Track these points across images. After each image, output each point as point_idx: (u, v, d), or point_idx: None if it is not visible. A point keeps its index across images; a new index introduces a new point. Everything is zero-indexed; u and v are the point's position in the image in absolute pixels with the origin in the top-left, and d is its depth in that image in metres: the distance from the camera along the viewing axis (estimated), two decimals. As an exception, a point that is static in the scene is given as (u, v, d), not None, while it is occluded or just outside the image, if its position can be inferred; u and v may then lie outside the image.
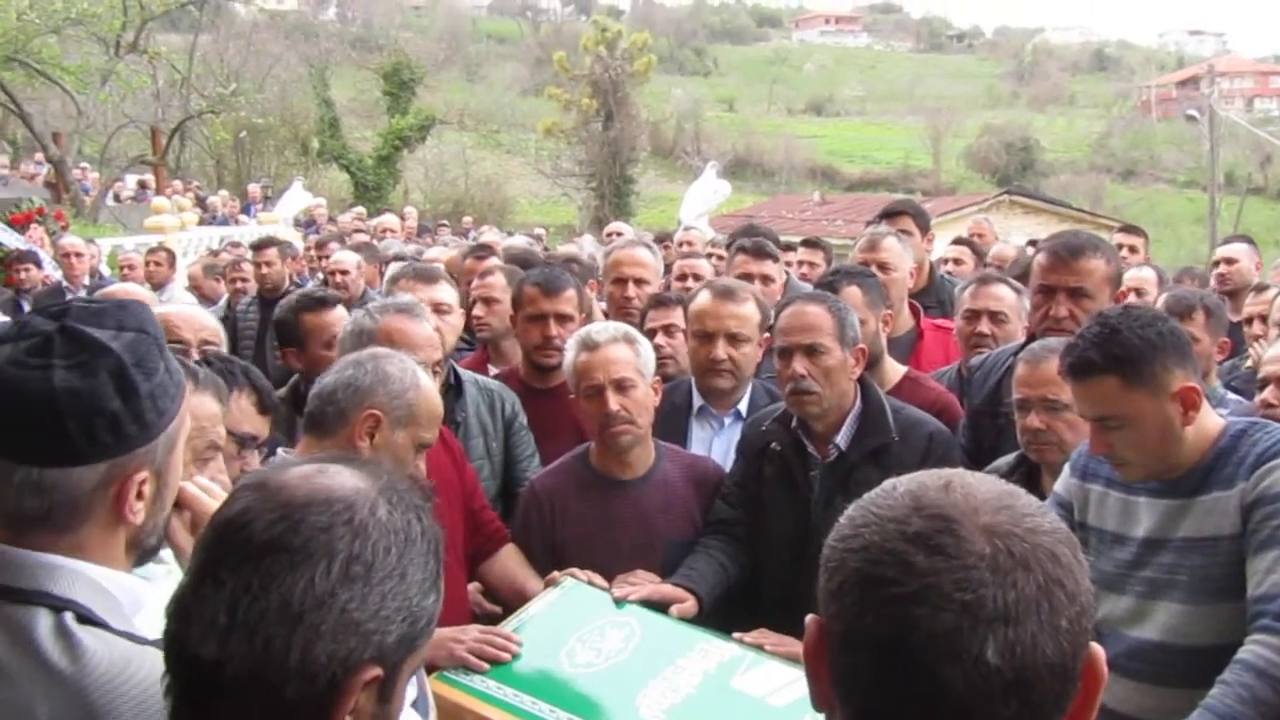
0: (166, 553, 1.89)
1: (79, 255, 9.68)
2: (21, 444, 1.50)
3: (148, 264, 10.01)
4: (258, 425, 2.91)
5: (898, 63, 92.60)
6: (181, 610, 1.23)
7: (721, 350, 3.87)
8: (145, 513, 1.61)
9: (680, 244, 7.48)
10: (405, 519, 1.28)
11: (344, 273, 7.31)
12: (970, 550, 1.03)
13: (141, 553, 1.69)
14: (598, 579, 3.17)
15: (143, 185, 26.16)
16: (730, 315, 3.91)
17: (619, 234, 8.95)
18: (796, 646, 2.96)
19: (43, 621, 1.49)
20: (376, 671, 1.22)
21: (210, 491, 1.79)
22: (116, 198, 24.84)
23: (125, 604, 1.60)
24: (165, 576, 2.14)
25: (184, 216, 17.87)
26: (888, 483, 1.14)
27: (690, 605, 3.13)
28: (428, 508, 1.32)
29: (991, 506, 1.06)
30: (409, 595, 1.25)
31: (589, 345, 3.46)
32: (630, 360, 3.44)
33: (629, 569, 3.24)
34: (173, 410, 1.61)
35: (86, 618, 1.52)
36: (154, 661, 1.48)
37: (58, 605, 1.51)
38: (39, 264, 9.77)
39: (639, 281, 4.96)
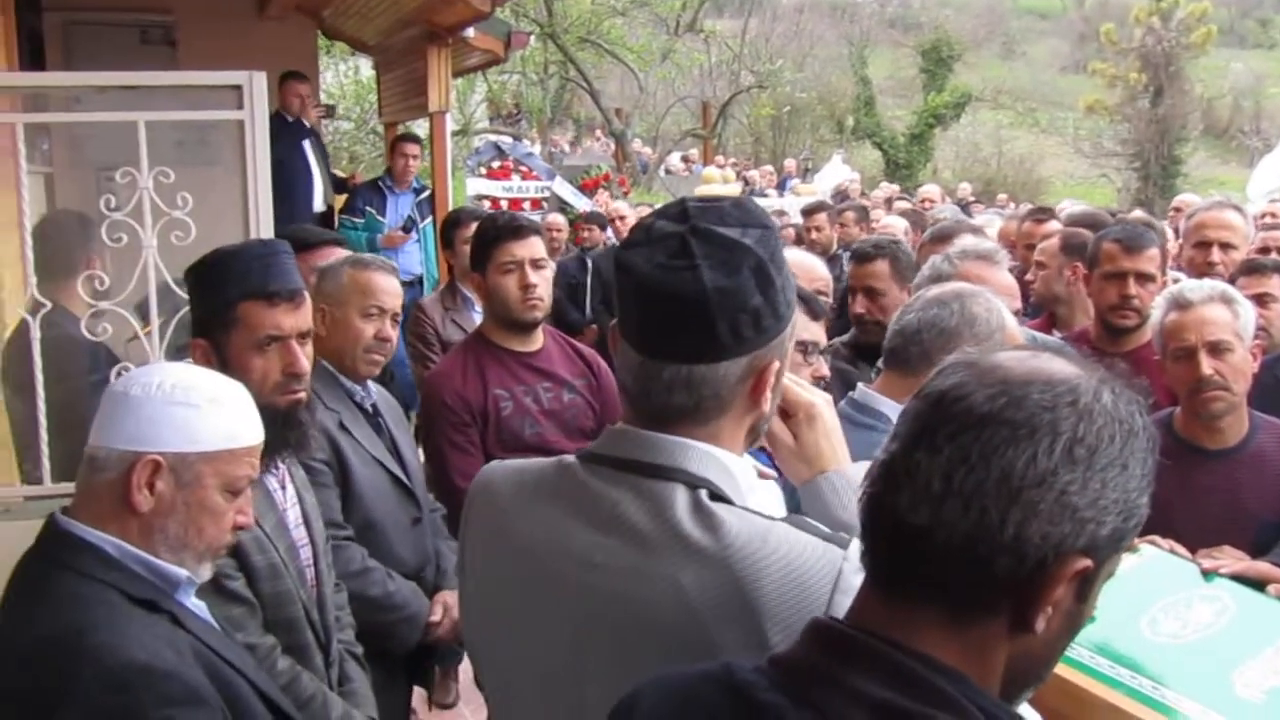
0: None
1: (623, 218, 10.44)
2: (675, 344, 1.56)
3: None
4: (814, 332, 3.04)
5: None
6: (889, 475, 1.23)
7: None
8: (771, 401, 1.66)
9: (1262, 216, 6.86)
10: (1129, 410, 1.21)
11: (895, 241, 7.41)
12: None
13: (753, 437, 1.72)
14: (1180, 549, 2.97)
15: (685, 160, 27.74)
16: None
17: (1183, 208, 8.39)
18: None
19: (680, 496, 1.56)
20: (1086, 563, 1.17)
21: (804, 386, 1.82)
22: (667, 170, 26.55)
23: (743, 486, 1.64)
24: None
25: (729, 188, 18.73)
26: None
27: (1290, 587, 2.86)
28: (1147, 405, 1.25)
29: None
30: (1128, 488, 1.19)
31: (1182, 304, 3.25)
32: (1228, 322, 3.20)
33: (1214, 544, 3.00)
34: (794, 301, 1.64)
35: (717, 495, 1.57)
36: (786, 535, 1.52)
37: (693, 482, 1.57)
38: (602, 225, 10.62)
39: (1225, 246, 4.60)
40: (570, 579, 1.59)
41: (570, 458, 1.70)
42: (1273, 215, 6.82)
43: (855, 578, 1.38)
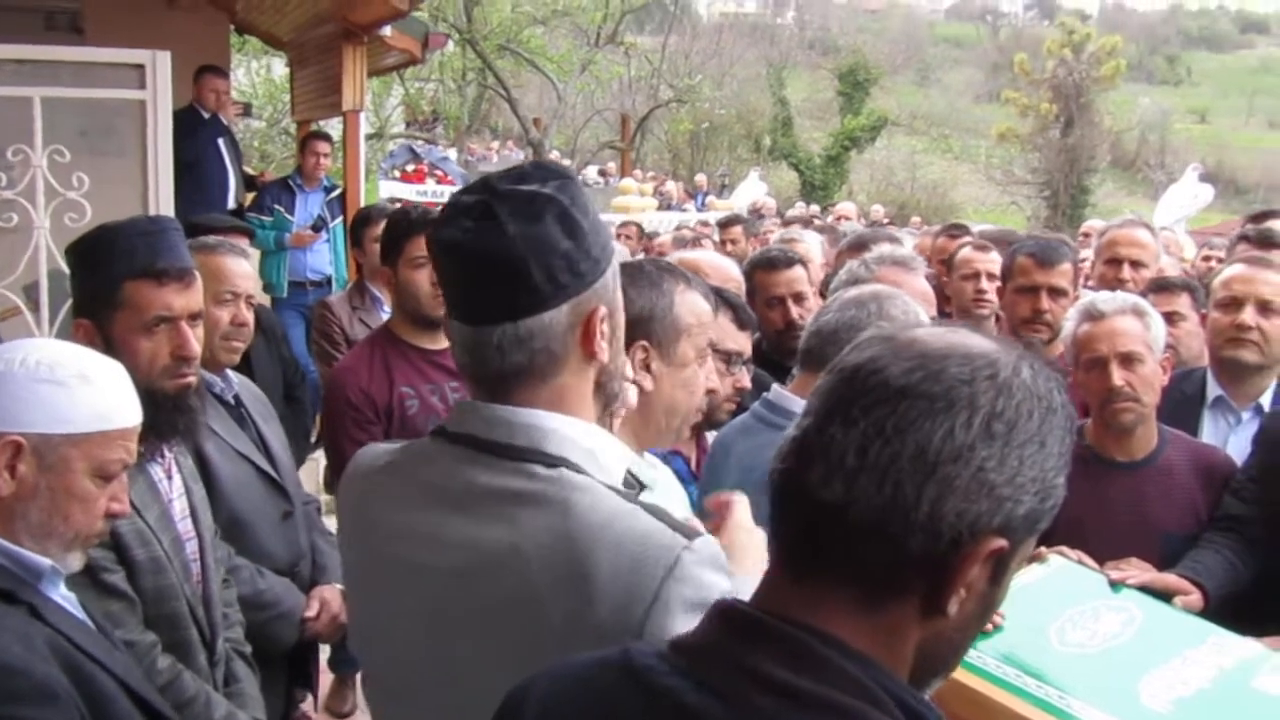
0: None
1: None
2: (497, 303, 1.57)
3: (618, 236, 10.55)
4: (740, 341, 2.99)
5: None
6: (802, 450, 1.17)
7: (1249, 317, 3.56)
8: (608, 352, 1.66)
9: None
10: (1048, 386, 1.17)
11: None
12: None
13: (606, 398, 1.72)
14: (1088, 560, 2.96)
15: (602, 173, 27.82)
16: (1264, 282, 3.60)
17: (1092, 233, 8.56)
18: (1320, 655, 2.67)
19: (538, 474, 1.56)
20: (1001, 543, 1.12)
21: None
22: (585, 183, 26.57)
23: (606, 463, 1.64)
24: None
25: (644, 201, 18.81)
26: None
27: (1195, 599, 2.85)
28: (1065, 383, 1.21)
29: None
30: (1045, 466, 1.14)
31: (1094, 315, 3.25)
32: (1139, 333, 3.20)
33: (1121, 556, 2.99)
34: (610, 247, 1.66)
35: (578, 472, 1.57)
36: (631, 515, 1.51)
37: (551, 461, 1.57)
38: None
39: (1135, 264, 4.64)
40: (422, 561, 1.60)
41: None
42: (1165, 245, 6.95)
43: (698, 569, 1.41)
